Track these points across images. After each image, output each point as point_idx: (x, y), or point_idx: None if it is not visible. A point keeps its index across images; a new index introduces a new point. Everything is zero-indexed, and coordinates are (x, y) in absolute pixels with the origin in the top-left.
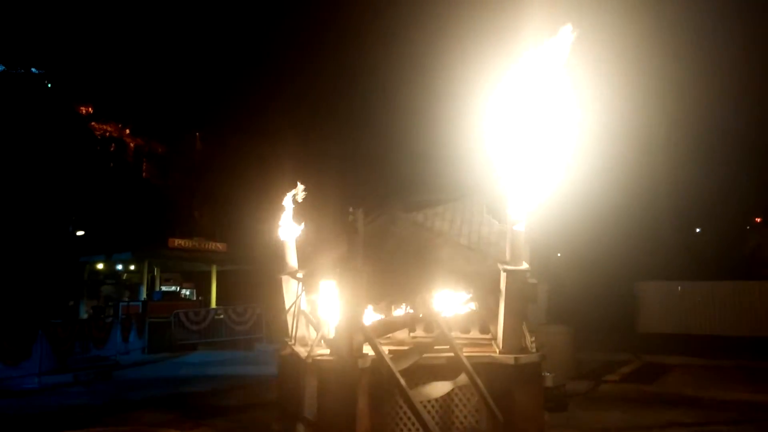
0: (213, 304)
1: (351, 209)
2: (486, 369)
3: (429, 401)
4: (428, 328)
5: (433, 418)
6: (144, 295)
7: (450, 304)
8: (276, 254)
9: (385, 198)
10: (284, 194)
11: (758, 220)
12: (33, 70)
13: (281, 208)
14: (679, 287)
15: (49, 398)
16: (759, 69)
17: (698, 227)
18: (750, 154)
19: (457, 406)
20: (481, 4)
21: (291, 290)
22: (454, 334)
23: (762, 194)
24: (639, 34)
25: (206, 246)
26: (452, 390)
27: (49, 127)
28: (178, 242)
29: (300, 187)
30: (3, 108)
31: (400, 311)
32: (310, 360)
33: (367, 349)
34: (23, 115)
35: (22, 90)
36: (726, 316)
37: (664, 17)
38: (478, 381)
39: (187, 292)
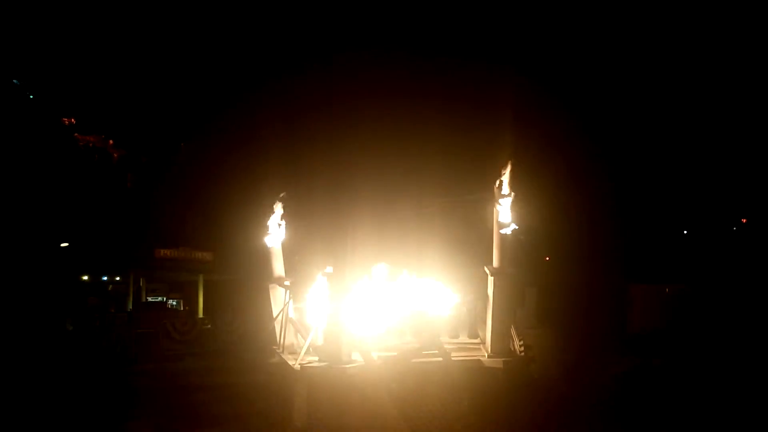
0: (200, 314)
1: (340, 218)
2: (475, 373)
3: (419, 406)
4: (417, 334)
5: (423, 422)
6: (130, 306)
7: (439, 308)
8: (263, 262)
9: (375, 205)
10: (271, 202)
11: (744, 221)
12: (15, 81)
13: (268, 217)
14: (667, 289)
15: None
16: (748, 72)
17: (685, 229)
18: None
19: (447, 409)
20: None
21: (278, 298)
22: (442, 338)
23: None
24: None
25: (192, 255)
26: (442, 394)
27: (31, 139)
28: (163, 252)
29: (285, 196)
30: None
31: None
32: (299, 367)
33: (356, 356)
34: (5, 127)
35: (4, 102)
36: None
37: None
38: (468, 385)
39: (174, 302)
